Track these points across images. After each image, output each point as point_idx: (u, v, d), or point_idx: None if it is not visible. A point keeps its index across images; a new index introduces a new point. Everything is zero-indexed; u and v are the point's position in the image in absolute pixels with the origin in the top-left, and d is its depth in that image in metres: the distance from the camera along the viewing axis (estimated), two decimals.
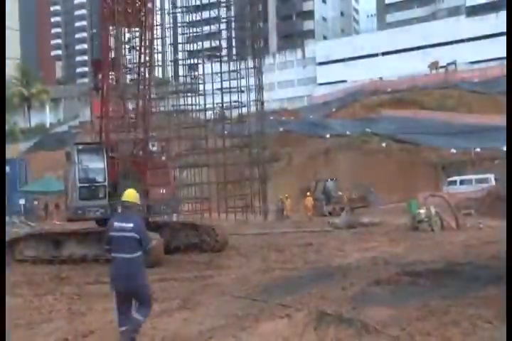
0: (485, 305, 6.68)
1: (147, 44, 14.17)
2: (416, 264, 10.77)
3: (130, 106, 14.90)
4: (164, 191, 14.77)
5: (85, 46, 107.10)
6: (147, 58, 14.06)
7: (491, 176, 31.27)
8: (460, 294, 7.40)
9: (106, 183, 13.84)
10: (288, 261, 12.50)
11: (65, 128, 73.51)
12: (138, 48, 13.96)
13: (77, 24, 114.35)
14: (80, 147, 14.44)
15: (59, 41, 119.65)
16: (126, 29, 14.33)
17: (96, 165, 14.02)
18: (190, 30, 24.79)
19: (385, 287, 8.28)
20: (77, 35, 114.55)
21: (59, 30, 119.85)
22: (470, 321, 5.91)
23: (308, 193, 31.26)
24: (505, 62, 52.47)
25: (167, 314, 7.22)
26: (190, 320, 6.84)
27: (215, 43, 24.70)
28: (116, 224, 5.81)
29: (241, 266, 12.22)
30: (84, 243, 13.98)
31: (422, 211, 19.59)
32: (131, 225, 5.68)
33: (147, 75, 14.41)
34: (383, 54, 65.36)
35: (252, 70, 17.86)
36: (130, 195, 5.98)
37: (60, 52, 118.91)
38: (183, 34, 25.23)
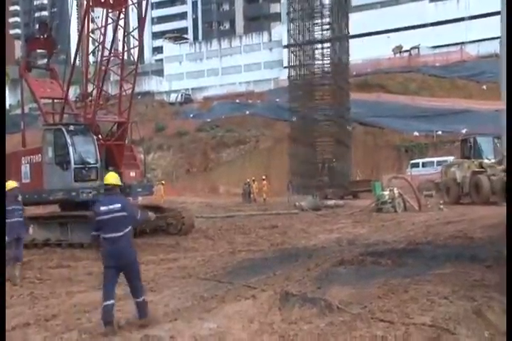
0: (442, 282, 6.93)
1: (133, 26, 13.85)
2: (379, 245, 11.04)
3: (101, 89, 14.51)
4: (134, 174, 14.74)
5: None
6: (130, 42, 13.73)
7: (452, 158, 32.01)
8: (419, 272, 7.64)
9: (98, 165, 13.62)
10: (254, 243, 12.60)
11: (26, 110, 71.32)
12: (123, 31, 13.57)
13: (37, 2, 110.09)
14: (71, 128, 14.04)
15: (17, 19, 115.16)
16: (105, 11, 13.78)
17: (88, 146, 13.80)
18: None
19: (348, 267, 8.47)
20: (36, 14, 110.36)
21: (17, 7, 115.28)
22: (428, 297, 6.11)
23: (263, 177, 31.49)
24: (465, 46, 53.50)
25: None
26: (156, 302, 6.83)
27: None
28: (102, 208, 5.95)
29: (207, 248, 12.26)
30: (47, 227, 13.74)
31: (386, 193, 20.02)
32: (119, 205, 5.89)
33: (134, 58, 14.15)
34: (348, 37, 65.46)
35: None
36: (111, 177, 6.20)
37: (19, 30, 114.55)
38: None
